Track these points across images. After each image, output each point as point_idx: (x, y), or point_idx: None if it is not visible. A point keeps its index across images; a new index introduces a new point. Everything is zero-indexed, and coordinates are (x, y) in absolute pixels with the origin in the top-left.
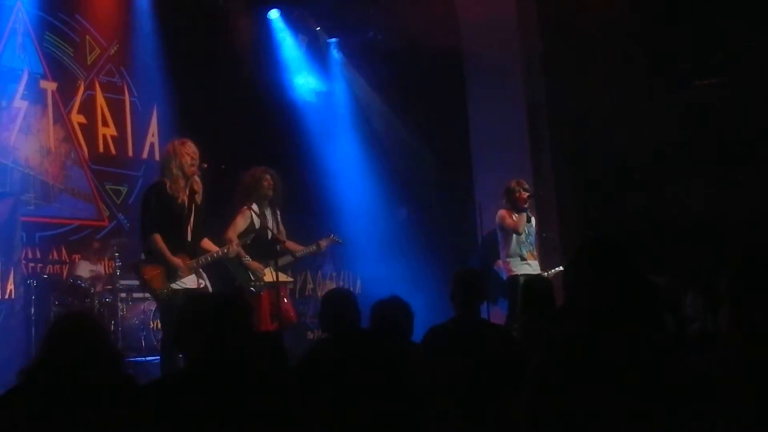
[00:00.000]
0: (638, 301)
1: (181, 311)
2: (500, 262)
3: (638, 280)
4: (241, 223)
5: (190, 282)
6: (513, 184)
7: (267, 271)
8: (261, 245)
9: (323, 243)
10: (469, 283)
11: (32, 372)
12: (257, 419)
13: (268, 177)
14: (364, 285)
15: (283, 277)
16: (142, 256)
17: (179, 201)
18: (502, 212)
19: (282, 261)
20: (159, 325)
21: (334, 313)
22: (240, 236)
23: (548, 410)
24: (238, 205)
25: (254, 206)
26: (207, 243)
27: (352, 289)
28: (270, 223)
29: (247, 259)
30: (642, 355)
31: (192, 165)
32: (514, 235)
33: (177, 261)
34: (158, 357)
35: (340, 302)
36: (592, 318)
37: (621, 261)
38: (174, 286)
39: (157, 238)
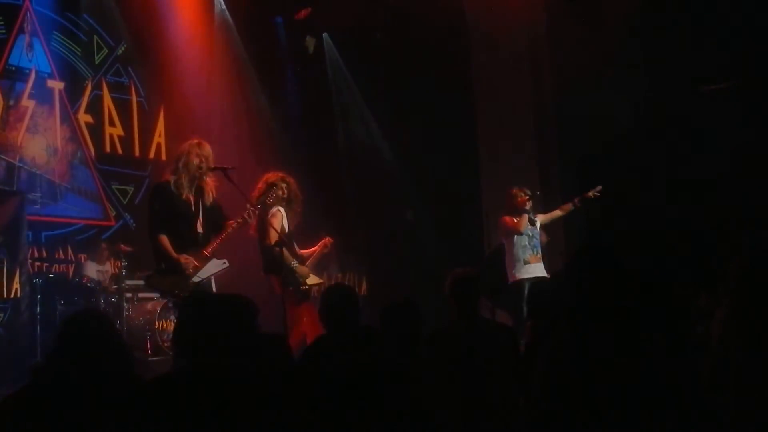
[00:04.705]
0: (633, 303)
1: (181, 312)
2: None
3: (632, 282)
4: (277, 226)
5: (212, 268)
6: (514, 189)
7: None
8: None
9: (327, 242)
10: (461, 283)
11: (44, 368)
12: (256, 420)
13: (297, 187)
14: (370, 287)
15: (317, 280)
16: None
17: (183, 198)
18: (502, 218)
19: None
20: (164, 325)
21: (333, 310)
22: (278, 241)
23: (552, 410)
24: (258, 207)
25: (282, 210)
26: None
27: (357, 290)
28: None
29: (295, 263)
30: (639, 356)
31: (199, 168)
32: (517, 239)
33: (182, 259)
34: (162, 357)
35: (339, 299)
36: (577, 320)
37: (613, 265)
38: (195, 279)
39: (163, 239)
